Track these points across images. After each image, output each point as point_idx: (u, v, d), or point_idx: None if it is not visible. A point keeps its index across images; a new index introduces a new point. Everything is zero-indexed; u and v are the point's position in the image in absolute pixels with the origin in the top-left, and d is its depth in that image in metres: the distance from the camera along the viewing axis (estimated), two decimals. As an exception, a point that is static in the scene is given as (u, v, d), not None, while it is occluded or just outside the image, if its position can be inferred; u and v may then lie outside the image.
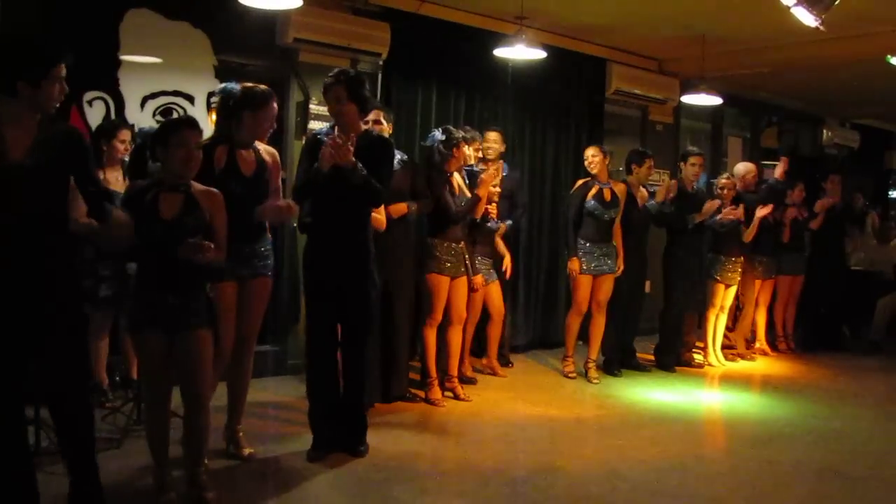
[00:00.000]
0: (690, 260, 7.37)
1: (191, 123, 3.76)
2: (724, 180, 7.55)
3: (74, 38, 5.25)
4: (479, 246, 6.30)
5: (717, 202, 7.28)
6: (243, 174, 4.31)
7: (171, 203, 3.65)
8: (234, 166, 4.29)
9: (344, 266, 4.48)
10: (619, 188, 6.81)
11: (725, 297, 7.67)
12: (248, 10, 5.55)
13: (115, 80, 5.82)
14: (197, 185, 3.75)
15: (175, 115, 5.93)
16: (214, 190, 3.82)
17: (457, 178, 5.92)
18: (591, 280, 6.70)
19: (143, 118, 5.91)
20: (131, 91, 5.89)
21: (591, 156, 6.74)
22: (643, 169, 7.11)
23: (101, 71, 5.72)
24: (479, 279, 6.11)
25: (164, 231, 3.60)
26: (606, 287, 6.77)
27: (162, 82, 6.02)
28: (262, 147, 4.47)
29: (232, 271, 4.21)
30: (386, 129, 5.33)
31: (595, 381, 6.80)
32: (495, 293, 6.59)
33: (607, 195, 6.67)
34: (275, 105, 4.40)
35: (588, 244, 6.66)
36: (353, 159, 4.21)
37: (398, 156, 5.36)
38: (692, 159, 7.35)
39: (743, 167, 8.15)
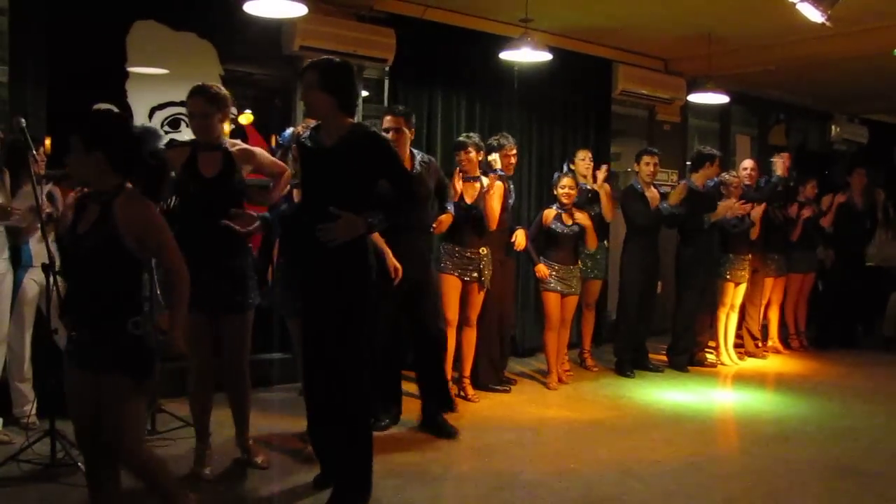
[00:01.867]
0: (702, 259, 7.35)
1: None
2: (731, 177, 7.53)
3: (82, 51, 5.40)
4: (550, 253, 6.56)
5: (731, 202, 7.26)
6: (203, 175, 4.20)
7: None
8: (193, 167, 4.21)
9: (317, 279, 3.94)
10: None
11: (735, 295, 7.66)
12: (253, 20, 5.57)
13: (123, 91, 5.84)
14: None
15: (183, 126, 5.97)
16: None
17: (476, 184, 5.91)
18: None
19: (151, 129, 5.93)
20: (139, 102, 5.91)
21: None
22: (640, 166, 7.15)
23: (110, 83, 5.73)
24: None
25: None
26: (592, 289, 7.07)
27: (169, 93, 6.04)
28: (233, 145, 4.35)
29: (200, 301, 3.80)
30: (408, 136, 5.10)
31: (594, 369, 7.16)
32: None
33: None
34: (198, 100, 4.21)
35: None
36: (357, 225, 3.76)
37: (419, 156, 5.29)
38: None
39: (749, 163, 8.13)
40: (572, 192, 6.50)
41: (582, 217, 6.57)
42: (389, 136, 4.57)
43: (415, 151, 5.30)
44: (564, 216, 6.53)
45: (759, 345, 8.25)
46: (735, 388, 6.99)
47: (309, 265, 3.91)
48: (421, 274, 5.23)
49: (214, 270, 4.13)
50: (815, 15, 5.35)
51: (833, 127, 11.53)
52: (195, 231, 4.08)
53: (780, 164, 8.15)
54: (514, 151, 6.44)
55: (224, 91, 4.34)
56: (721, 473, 4.75)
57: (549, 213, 6.56)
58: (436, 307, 5.47)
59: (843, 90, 10.06)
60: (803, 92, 10.51)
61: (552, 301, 6.54)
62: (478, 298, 5.99)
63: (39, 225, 4.43)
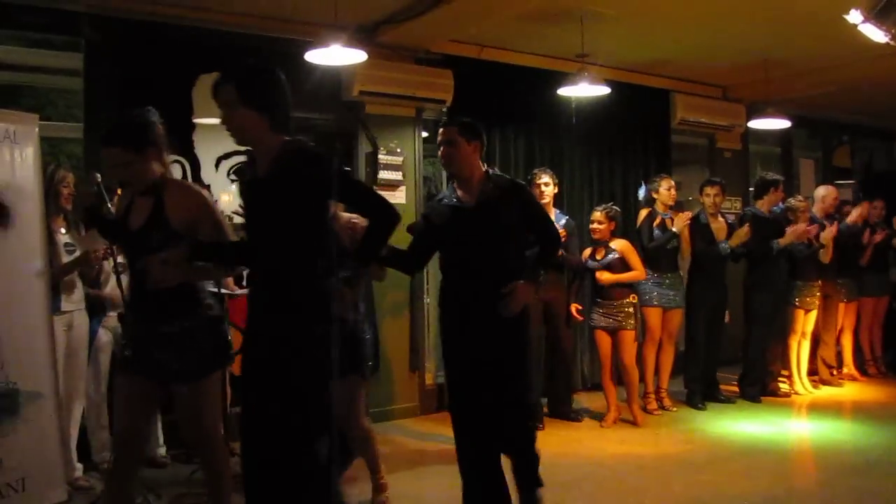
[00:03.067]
0: (770, 287, 7.22)
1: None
2: (797, 202, 7.41)
3: (152, 106, 5.57)
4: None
5: (801, 226, 7.12)
6: (129, 226, 3.56)
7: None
8: (125, 215, 3.61)
9: None
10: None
11: (806, 322, 7.49)
12: (314, 67, 5.70)
13: (190, 142, 6.01)
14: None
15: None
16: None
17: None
18: (661, 312, 6.77)
19: (217, 178, 6.09)
20: (206, 153, 6.08)
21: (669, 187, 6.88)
22: (703, 198, 7.10)
23: (178, 135, 5.89)
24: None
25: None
26: (675, 319, 6.89)
27: (234, 143, 6.17)
28: (177, 189, 3.59)
29: (135, 363, 3.49)
30: (468, 148, 3.97)
31: (673, 409, 6.91)
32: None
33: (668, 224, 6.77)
34: (107, 148, 3.50)
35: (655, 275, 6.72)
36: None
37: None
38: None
39: (823, 190, 7.95)
40: (601, 226, 6.27)
41: (621, 248, 6.30)
42: (441, 151, 4.02)
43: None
44: (598, 251, 6.35)
45: (835, 372, 8.06)
46: (811, 418, 6.82)
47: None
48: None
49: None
50: (877, 35, 5.27)
51: (899, 146, 11.30)
52: None
53: (856, 213, 7.92)
54: (543, 180, 6.23)
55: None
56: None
57: (586, 251, 6.44)
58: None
59: (908, 108, 9.86)
60: (866, 112, 10.32)
61: (601, 338, 6.42)
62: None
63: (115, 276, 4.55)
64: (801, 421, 6.79)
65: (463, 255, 3.92)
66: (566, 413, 6.61)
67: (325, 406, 2.95)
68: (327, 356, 2.92)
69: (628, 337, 6.33)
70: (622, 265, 6.27)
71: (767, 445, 5.92)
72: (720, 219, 7.12)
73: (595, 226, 6.31)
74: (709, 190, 7.10)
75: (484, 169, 3.99)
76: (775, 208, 7.37)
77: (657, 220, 6.78)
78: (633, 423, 6.39)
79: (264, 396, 3.03)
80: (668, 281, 6.76)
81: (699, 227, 7.04)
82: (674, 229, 6.71)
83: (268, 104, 3.08)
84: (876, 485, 4.91)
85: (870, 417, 6.68)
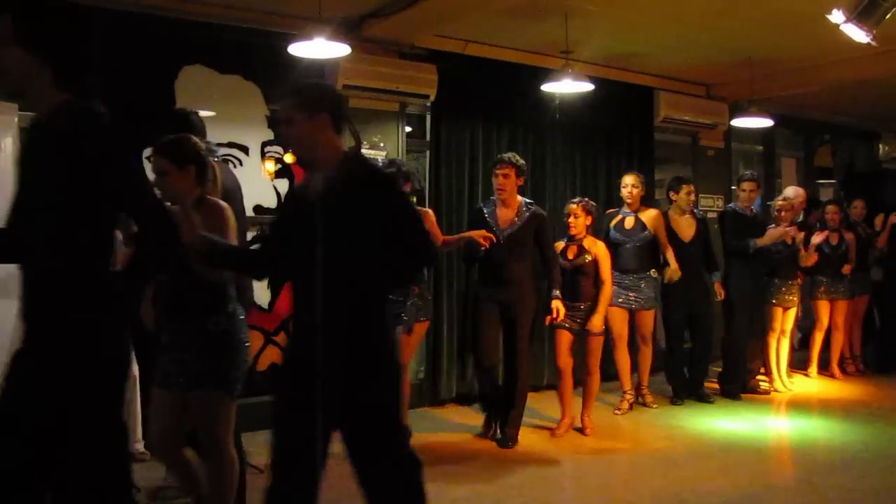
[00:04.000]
0: (748, 285, 7.26)
1: None
2: (780, 202, 7.44)
3: (134, 97, 5.54)
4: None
5: (780, 229, 7.15)
6: None
7: None
8: None
9: None
10: (648, 215, 6.76)
11: (785, 320, 7.53)
12: (297, 60, 5.67)
13: (172, 135, 5.95)
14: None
15: (231, 167, 6.07)
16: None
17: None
18: (624, 312, 6.69)
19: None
20: (188, 144, 6.02)
21: (630, 184, 6.79)
22: (681, 195, 7.09)
23: (160, 127, 5.83)
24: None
25: None
26: (646, 321, 6.80)
27: (217, 135, 6.14)
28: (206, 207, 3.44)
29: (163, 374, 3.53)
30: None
31: (653, 406, 6.91)
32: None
33: (628, 223, 6.74)
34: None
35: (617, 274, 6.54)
36: None
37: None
38: (744, 184, 7.35)
39: (792, 191, 7.97)
40: (576, 220, 5.97)
41: (597, 252, 5.99)
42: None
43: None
44: (570, 249, 6.01)
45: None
46: (790, 416, 6.86)
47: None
48: None
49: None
50: (859, 35, 5.29)
51: (881, 146, 11.35)
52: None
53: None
54: (504, 171, 5.77)
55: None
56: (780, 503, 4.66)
57: (558, 244, 6.09)
58: None
59: (889, 108, 9.91)
60: (848, 112, 10.38)
61: (562, 337, 6.00)
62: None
63: None
64: (780, 418, 6.83)
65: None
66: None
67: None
68: None
69: (593, 340, 6.04)
70: (593, 269, 5.97)
71: (747, 442, 5.95)
72: (688, 216, 7.13)
73: (571, 220, 5.99)
74: (687, 188, 7.14)
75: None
76: (754, 206, 7.41)
77: (616, 219, 6.81)
78: (582, 433, 6.07)
79: None
80: (627, 282, 6.67)
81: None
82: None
83: (49, 45, 2.48)
84: (854, 482, 4.94)
85: (849, 415, 6.72)
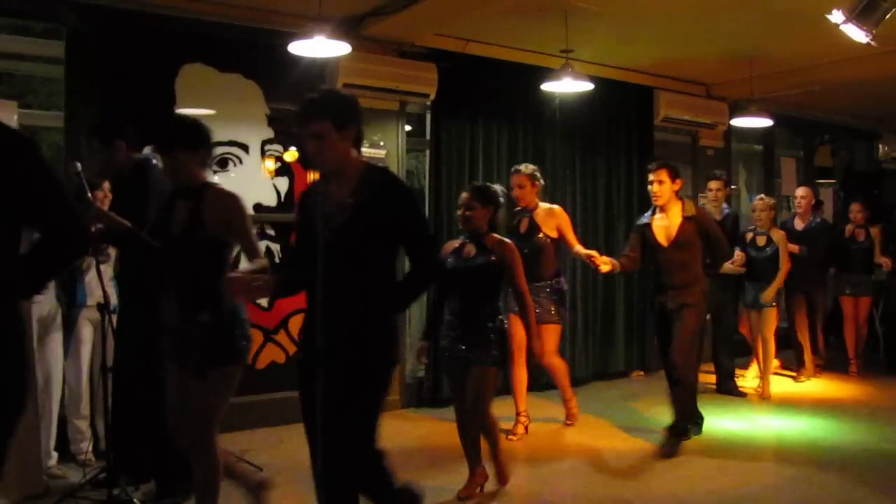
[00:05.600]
0: (724, 287, 7.17)
1: None
2: (758, 201, 7.44)
3: (134, 95, 5.55)
4: None
5: (735, 261, 6.93)
6: (170, 228, 3.65)
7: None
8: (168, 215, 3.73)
9: None
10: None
11: (765, 322, 7.35)
12: (297, 59, 5.68)
13: (172, 133, 5.95)
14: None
15: (231, 165, 6.08)
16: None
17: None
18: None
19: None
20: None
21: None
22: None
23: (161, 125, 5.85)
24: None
25: None
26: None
27: (217, 133, 6.07)
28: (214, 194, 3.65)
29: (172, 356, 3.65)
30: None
31: None
32: None
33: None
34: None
35: None
36: None
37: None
38: (710, 183, 7.35)
39: (802, 190, 8.09)
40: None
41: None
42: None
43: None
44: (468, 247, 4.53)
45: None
46: (789, 415, 6.85)
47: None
48: None
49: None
50: (859, 35, 5.28)
51: (880, 146, 11.36)
52: None
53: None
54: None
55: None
56: (779, 503, 4.66)
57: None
58: None
59: (889, 108, 9.92)
60: (848, 112, 10.39)
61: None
62: None
63: (95, 263, 4.50)
64: (779, 418, 6.82)
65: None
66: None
67: None
68: None
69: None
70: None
71: (745, 442, 5.96)
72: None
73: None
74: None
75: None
76: (724, 208, 7.41)
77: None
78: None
79: None
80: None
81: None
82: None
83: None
84: (851, 481, 4.95)
85: (846, 414, 6.72)
